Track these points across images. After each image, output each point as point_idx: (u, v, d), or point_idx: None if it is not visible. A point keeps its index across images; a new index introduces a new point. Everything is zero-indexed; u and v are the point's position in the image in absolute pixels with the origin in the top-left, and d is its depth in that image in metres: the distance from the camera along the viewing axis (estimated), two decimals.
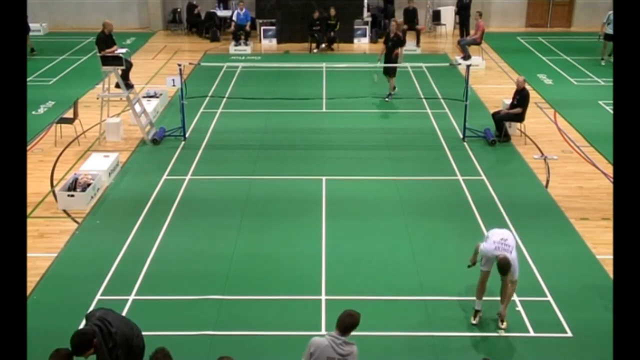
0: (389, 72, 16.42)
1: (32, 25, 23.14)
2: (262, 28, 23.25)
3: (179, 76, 13.81)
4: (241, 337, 7.79)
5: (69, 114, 14.17)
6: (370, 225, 10.43)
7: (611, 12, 18.88)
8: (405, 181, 12.00)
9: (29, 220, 10.27)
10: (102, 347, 5.62)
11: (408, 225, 10.40)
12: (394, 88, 16.61)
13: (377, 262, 9.41)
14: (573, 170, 12.50)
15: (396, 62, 16.30)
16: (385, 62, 16.38)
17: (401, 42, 16.59)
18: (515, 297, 8.47)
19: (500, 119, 13.86)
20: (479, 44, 20.15)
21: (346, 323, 5.80)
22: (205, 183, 11.95)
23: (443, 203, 11.21)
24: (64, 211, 10.85)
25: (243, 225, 10.40)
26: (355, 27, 23.22)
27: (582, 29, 25.05)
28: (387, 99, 16.37)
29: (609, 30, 19.10)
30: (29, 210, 10.77)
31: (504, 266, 7.38)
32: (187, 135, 14.03)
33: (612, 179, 11.54)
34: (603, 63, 19.73)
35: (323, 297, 8.54)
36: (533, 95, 14.98)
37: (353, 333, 6.09)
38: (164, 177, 12.12)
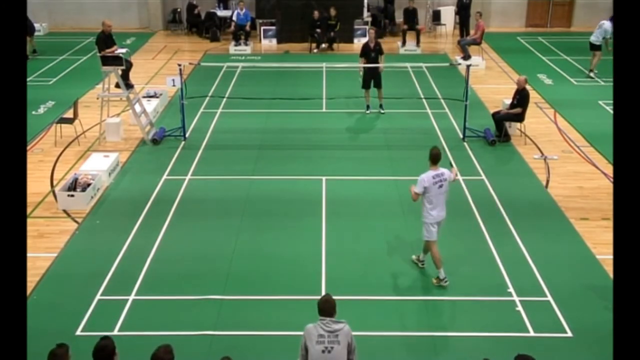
0: (378, 84, 15.24)
1: None
2: (262, 28, 23.25)
3: (179, 76, 13.81)
4: (241, 337, 7.79)
5: (69, 114, 14.17)
6: (370, 225, 10.43)
7: (603, 21, 18.47)
8: (405, 181, 11.94)
9: (29, 220, 10.27)
10: None
11: (408, 225, 10.39)
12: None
13: (377, 262, 9.41)
14: (573, 170, 12.50)
15: (379, 73, 15.08)
16: (372, 74, 15.04)
17: (382, 50, 15.28)
18: (515, 297, 8.50)
19: (500, 119, 13.85)
20: (479, 44, 20.15)
21: (326, 307, 6.04)
22: (205, 183, 11.95)
23: None
24: (64, 211, 10.85)
25: (243, 225, 10.41)
26: (356, 27, 23.21)
27: (582, 29, 24.98)
28: (382, 111, 15.45)
29: (594, 39, 18.21)
30: (29, 210, 10.76)
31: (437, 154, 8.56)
32: (187, 135, 14.03)
33: (612, 179, 11.54)
34: (592, 75, 18.42)
35: None
36: (533, 95, 14.97)
37: (353, 333, 6.10)
38: (164, 177, 12.12)
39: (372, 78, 15.21)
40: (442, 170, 8.56)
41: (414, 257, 9.38)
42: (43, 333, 7.46)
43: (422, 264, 9.22)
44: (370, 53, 15.19)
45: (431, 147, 8.66)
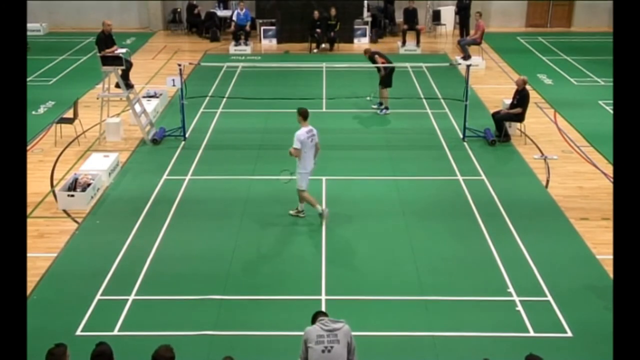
0: (382, 83, 15.55)
1: (32, 25, 23.15)
2: (262, 28, 23.26)
3: (179, 76, 13.81)
4: (241, 337, 7.79)
5: (69, 114, 14.17)
6: (370, 225, 10.43)
7: None
8: (405, 181, 12.00)
9: (29, 220, 10.27)
10: None
11: (408, 225, 10.40)
12: (385, 105, 15.67)
13: (377, 262, 9.41)
14: (573, 170, 12.50)
15: (381, 71, 15.28)
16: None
17: (375, 56, 15.49)
18: (515, 297, 8.50)
19: (500, 119, 13.85)
20: (479, 44, 20.15)
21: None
22: (205, 183, 11.94)
23: (443, 203, 11.21)
24: (64, 211, 10.85)
25: (243, 225, 10.40)
26: (355, 27, 23.21)
27: (582, 29, 25.05)
28: (379, 112, 15.53)
29: None
30: (29, 210, 10.76)
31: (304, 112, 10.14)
32: (187, 135, 14.02)
33: (612, 179, 11.54)
34: None
35: (323, 297, 8.54)
36: (533, 95, 14.97)
37: (353, 333, 6.12)
38: (164, 177, 12.11)
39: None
40: (311, 127, 10.09)
41: (292, 211, 10.57)
42: (43, 333, 7.46)
43: (303, 213, 10.49)
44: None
45: (300, 108, 10.21)
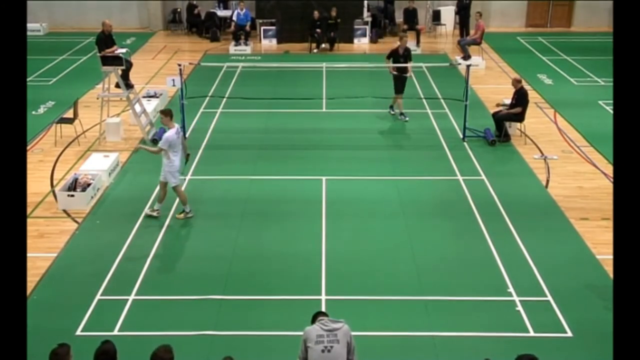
0: (401, 89, 14.99)
1: (32, 25, 23.17)
2: (262, 28, 23.26)
3: (179, 76, 13.81)
4: (241, 337, 7.79)
5: (69, 114, 14.17)
6: (370, 225, 10.43)
7: None
8: (405, 181, 12.00)
9: (29, 220, 10.27)
10: None
11: (408, 225, 10.40)
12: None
13: (377, 262, 9.41)
14: (573, 170, 12.50)
15: (405, 77, 14.87)
16: (400, 80, 14.85)
17: (411, 57, 14.86)
18: (515, 297, 8.50)
19: (500, 118, 13.85)
20: (479, 44, 20.15)
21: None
22: (205, 183, 11.94)
23: (443, 203, 11.21)
24: (64, 211, 10.85)
25: (243, 225, 10.40)
26: (355, 27, 23.22)
27: (582, 29, 25.05)
28: (406, 118, 15.04)
29: None
30: (29, 210, 10.76)
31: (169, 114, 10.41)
32: (187, 135, 14.02)
33: (612, 179, 11.54)
34: None
35: (323, 297, 8.54)
36: (533, 95, 14.97)
37: (353, 333, 6.13)
38: None
39: (399, 82, 14.94)
40: (177, 125, 10.45)
41: (148, 211, 10.67)
42: (43, 333, 7.46)
43: (158, 212, 10.59)
44: (400, 59, 14.77)
45: (165, 109, 10.57)
